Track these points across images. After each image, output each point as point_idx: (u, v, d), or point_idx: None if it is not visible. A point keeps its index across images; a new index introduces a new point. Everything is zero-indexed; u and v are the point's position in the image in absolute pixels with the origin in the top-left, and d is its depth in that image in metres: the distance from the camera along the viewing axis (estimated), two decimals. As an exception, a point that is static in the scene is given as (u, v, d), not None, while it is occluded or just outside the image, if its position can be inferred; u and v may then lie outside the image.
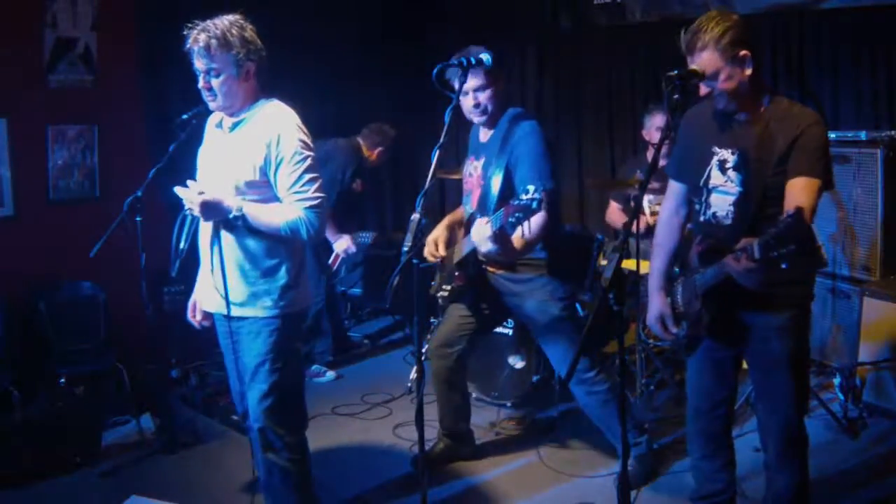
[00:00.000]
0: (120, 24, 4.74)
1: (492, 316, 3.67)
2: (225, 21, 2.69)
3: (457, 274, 3.46)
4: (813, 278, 2.67)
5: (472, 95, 3.27)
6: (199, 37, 2.66)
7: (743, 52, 2.43)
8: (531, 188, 2.63)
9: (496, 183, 3.29)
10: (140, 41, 4.85)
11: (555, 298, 3.40)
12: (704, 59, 2.43)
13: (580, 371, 3.47)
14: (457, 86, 3.13)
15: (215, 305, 2.89)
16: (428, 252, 3.46)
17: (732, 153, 2.56)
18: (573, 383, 3.51)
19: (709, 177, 2.62)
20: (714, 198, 2.62)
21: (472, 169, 3.48)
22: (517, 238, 2.96)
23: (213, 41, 2.65)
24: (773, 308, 2.53)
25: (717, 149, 2.60)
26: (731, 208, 2.57)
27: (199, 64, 2.69)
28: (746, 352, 2.67)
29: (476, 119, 3.38)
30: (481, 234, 2.97)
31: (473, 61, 2.97)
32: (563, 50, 6.07)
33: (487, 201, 3.33)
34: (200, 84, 2.73)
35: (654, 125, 4.79)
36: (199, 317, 3.05)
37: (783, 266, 2.10)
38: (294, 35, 5.46)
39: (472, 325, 3.62)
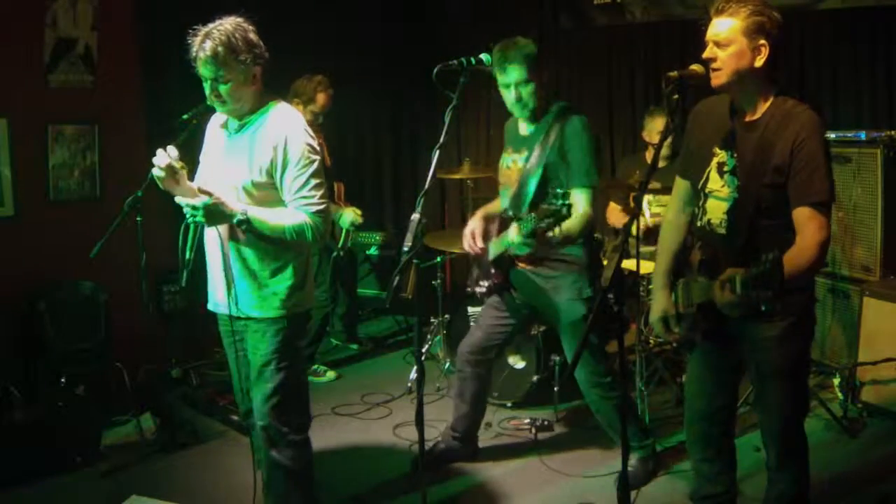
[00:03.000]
0: (120, 24, 4.74)
1: (528, 316, 3.65)
2: (228, 25, 2.67)
3: (493, 271, 3.47)
4: (812, 286, 2.62)
5: (514, 90, 3.27)
6: (204, 44, 2.63)
7: (762, 42, 2.38)
8: (560, 192, 2.62)
9: (533, 181, 3.29)
10: (140, 41, 4.85)
11: (581, 298, 3.39)
12: (723, 23, 2.38)
13: (597, 375, 3.47)
14: (498, 79, 3.17)
15: (222, 305, 2.90)
16: (466, 245, 3.46)
17: (731, 156, 2.50)
18: (588, 386, 3.51)
19: (707, 179, 2.56)
20: (710, 203, 2.56)
21: (511, 162, 3.46)
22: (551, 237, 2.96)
23: (220, 48, 2.62)
24: (769, 318, 2.46)
25: (717, 150, 2.54)
26: (725, 217, 2.50)
27: (206, 71, 2.66)
28: (743, 359, 2.65)
29: (517, 113, 3.38)
30: (513, 239, 3.00)
31: (473, 62, 2.97)
32: (563, 50, 6.07)
33: (522, 198, 3.33)
34: (208, 91, 2.70)
35: (654, 128, 4.78)
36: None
37: (762, 308, 2.08)
38: (294, 35, 5.46)
39: (504, 333, 3.63)
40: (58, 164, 4.54)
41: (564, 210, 2.60)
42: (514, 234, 3.05)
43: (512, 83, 3.25)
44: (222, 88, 2.68)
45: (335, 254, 5.01)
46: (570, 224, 3.04)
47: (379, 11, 6.35)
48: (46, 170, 4.50)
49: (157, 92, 4.87)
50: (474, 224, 3.49)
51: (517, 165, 3.41)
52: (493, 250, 3.45)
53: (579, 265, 3.39)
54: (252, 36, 2.70)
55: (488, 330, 3.62)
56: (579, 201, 3.17)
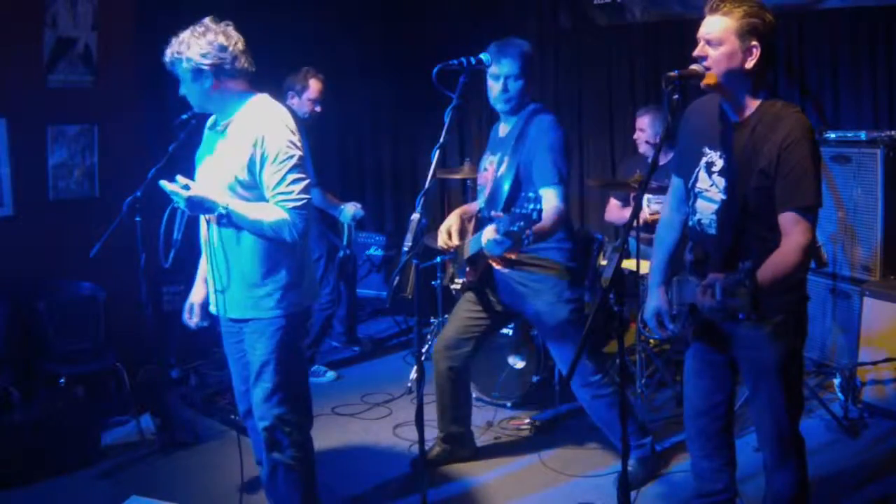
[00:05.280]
0: (120, 24, 4.74)
1: (503, 314, 3.65)
2: (187, 32, 2.72)
3: (468, 269, 3.47)
4: (803, 285, 2.60)
5: (503, 82, 3.30)
6: (166, 51, 2.73)
7: (754, 44, 2.36)
8: (531, 196, 2.63)
9: (507, 182, 3.30)
10: (140, 41, 4.85)
11: (563, 301, 3.40)
12: (716, 21, 2.37)
13: (586, 374, 3.47)
14: (490, 69, 3.16)
15: (216, 306, 2.90)
16: (441, 241, 3.46)
17: (720, 156, 2.49)
18: (578, 386, 3.51)
19: (696, 179, 2.56)
20: (699, 203, 2.56)
21: (488, 163, 3.50)
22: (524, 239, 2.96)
23: (173, 55, 2.71)
24: (757, 319, 2.38)
25: (707, 149, 2.53)
26: (714, 217, 2.50)
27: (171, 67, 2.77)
28: (735, 357, 2.65)
29: (499, 106, 3.39)
30: (488, 239, 3.00)
31: (473, 62, 2.97)
32: (563, 50, 6.08)
33: (497, 199, 3.35)
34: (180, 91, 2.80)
35: (637, 126, 4.80)
36: (196, 319, 3.05)
37: (740, 316, 2.09)
38: (293, 35, 5.46)
39: (479, 328, 3.62)
40: (57, 164, 4.54)
41: (535, 215, 2.61)
42: (489, 233, 3.04)
43: (503, 75, 3.29)
44: (183, 89, 2.77)
45: (341, 253, 5.01)
46: (549, 215, 3.03)
47: (379, 10, 6.35)
48: (46, 170, 4.50)
49: (157, 92, 4.87)
50: (451, 221, 3.50)
51: (492, 167, 3.44)
52: (469, 248, 3.45)
53: (557, 269, 3.39)
54: (205, 39, 2.70)
55: (462, 323, 3.62)
56: (549, 198, 3.19)
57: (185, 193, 2.63)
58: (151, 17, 4.86)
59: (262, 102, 2.83)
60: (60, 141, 4.54)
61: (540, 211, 2.60)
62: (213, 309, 2.98)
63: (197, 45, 2.68)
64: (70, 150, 4.58)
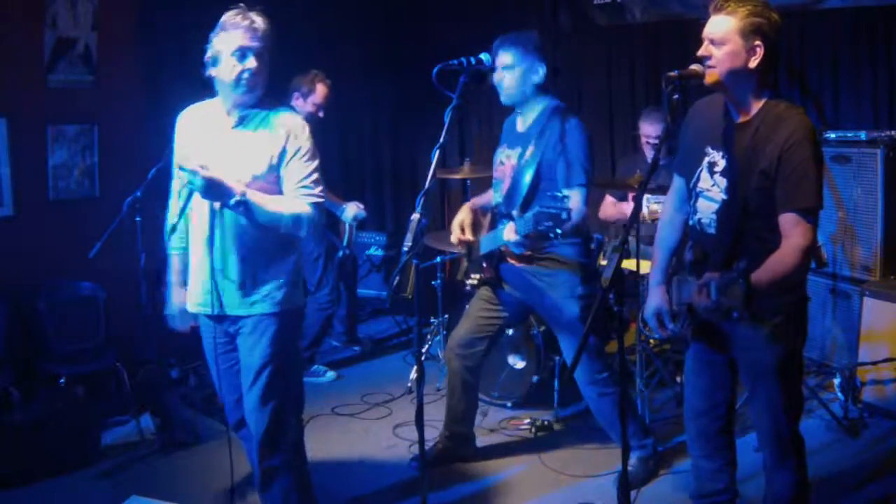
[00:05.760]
0: (120, 24, 4.74)
1: (519, 309, 3.65)
2: (260, 15, 2.70)
3: (485, 265, 3.49)
4: (803, 286, 2.59)
5: (500, 72, 3.34)
6: (254, 16, 2.66)
7: (757, 43, 2.37)
8: (560, 195, 2.64)
9: (527, 177, 3.31)
10: (140, 41, 4.86)
11: (575, 296, 3.41)
12: (720, 21, 2.37)
13: (592, 372, 3.48)
14: (495, 60, 3.23)
15: (210, 305, 2.81)
16: (454, 236, 3.46)
17: (723, 157, 2.49)
18: (585, 384, 3.51)
19: (698, 179, 2.57)
20: (700, 203, 2.56)
21: (505, 157, 3.50)
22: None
23: (265, 25, 2.67)
24: (756, 319, 2.43)
25: (709, 149, 2.54)
26: (714, 217, 2.51)
27: (245, 40, 2.63)
28: (734, 358, 2.65)
29: (501, 98, 3.42)
30: (509, 238, 3.01)
31: (473, 62, 2.97)
32: (563, 49, 6.07)
33: (516, 194, 3.35)
34: (246, 63, 2.65)
35: (643, 131, 4.78)
36: (190, 322, 3.03)
37: (734, 315, 2.09)
38: (293, 34, 5.46)
39: (494, 326, 3.63)
40: (57, 164, 4.54)
41: (564, 214, 2.62)
42: (510, 233, 3.06)
43: (500, 67, 3.32)
44: (256, 64, 2.65)
45: (341, 253, 5.00)
46: (573, 215, 3.06)
47: (379, 11, 6.35)
48: (46, 169, 4.50)
49: (157, 92, 4.87)
50: (463, 215, 3.50)
51: (511, 161, 3.44)
52: (486, 245, 3.45)
53: (571, 264, 3.40)
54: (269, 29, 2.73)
55: (477, 322, 3.62)
56: (573, 200, 3.19)
57: (204, 173, 2.54)
58: (151, 17, 4.86)
59: (286, 108, 2.84)
60: (60, 141, 4.54)
61: (570, 211, 2.62)
62: (200, 309, 2.87)
63: (268, 29, 2.70)
64: (70, 150, 4.58)
